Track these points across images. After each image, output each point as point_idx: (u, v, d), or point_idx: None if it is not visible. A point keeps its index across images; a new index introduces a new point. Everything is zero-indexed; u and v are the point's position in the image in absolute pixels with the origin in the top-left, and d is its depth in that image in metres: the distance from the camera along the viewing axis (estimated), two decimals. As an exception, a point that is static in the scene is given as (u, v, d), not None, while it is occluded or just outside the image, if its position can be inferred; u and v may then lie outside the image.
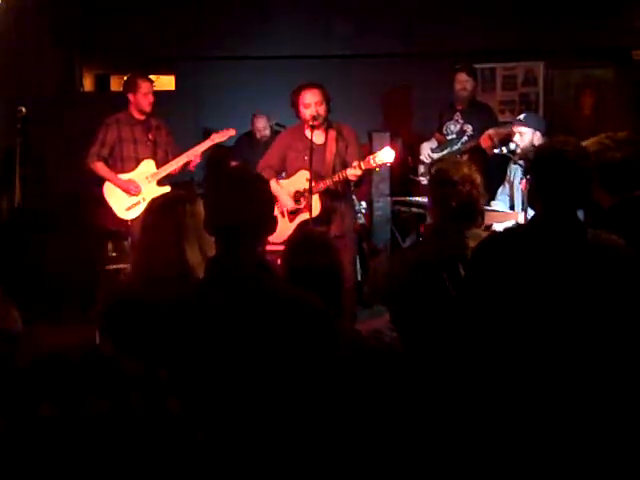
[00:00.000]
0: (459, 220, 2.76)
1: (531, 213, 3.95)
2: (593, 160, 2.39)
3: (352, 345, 2.27)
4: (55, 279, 1.29)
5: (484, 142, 5.17)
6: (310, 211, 4.36)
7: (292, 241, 2.58)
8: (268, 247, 3.57)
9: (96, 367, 1.25)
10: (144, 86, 5.20)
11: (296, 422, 1.82)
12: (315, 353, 1.85)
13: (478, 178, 2.84)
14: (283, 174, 4.78)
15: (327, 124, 4.53)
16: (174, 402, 1.32)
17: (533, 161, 2.45)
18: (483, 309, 2.31)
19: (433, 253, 2.68)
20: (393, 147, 4.44)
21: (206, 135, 5.45)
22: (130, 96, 5.22)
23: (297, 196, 4.57)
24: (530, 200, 2.39)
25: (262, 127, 6.54)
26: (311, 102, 4.42)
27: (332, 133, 4.53)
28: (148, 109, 5.21)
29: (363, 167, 4.30)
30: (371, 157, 4.31)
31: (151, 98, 5.21)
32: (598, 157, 2.66)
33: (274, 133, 6.05)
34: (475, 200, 2.80)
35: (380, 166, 4.33)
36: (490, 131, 5.21)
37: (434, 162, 5.30)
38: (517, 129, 4.45)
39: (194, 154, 5.20)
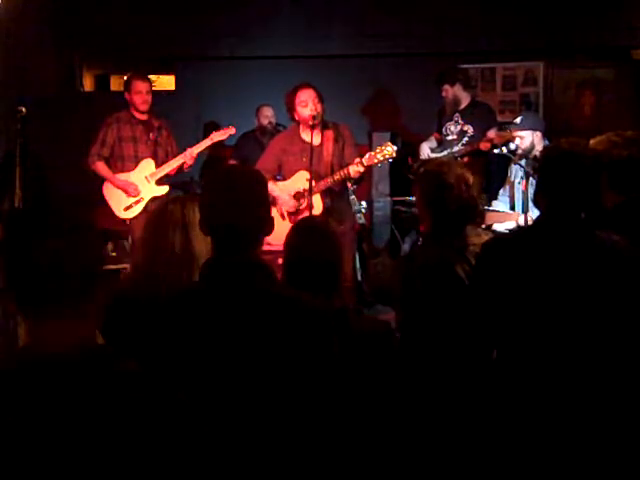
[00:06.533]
0: (458, 221, 2.72)
1: (532, 213, 3.96)
2: (601, 160, 2.36)
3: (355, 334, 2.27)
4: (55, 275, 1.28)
5: (484, 147, 5.09)
6: (310, 211, 4.36)
7: (293, 226, 2.60)
8: (267, 248, 3.56)
9: (96, 367, 1.25)
10: (138, 85, 5.22)
11: (295, 425, 1.82)
12: (313, 354, 1.84)
13: (470, 176, 2.77)
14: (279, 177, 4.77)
15: (323, 124, 4.53)
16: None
17: (540, 161, 2.43)
18: (489, 310, 2.30)
19: (439, 254, 2.65)
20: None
21: (206, 135, 5.45)
22: (126, 95, 5.26)
23: (297, 197, 4.56)
24: (536, 200, 2.36)
25: (270, 115, 6.46)
26: (308, 100, 4.42)
27: (328, 133, 4.53)
28: (142, 108, 5.22)
29: (365, 163, 4.29)
30: (373, 153, 4.30)
31: (145, 97, 5.22)
32: (605, 155, 2.62)
33: (275, 131, 6.04)
34: (473, 200, 2.73)
35: (382, 162, 4.32)
36: (491, 134, 5.17)
37: (421, 164, 5.12)
38: (517, 134, 4.46)
39: (191, 154, 5.20)
